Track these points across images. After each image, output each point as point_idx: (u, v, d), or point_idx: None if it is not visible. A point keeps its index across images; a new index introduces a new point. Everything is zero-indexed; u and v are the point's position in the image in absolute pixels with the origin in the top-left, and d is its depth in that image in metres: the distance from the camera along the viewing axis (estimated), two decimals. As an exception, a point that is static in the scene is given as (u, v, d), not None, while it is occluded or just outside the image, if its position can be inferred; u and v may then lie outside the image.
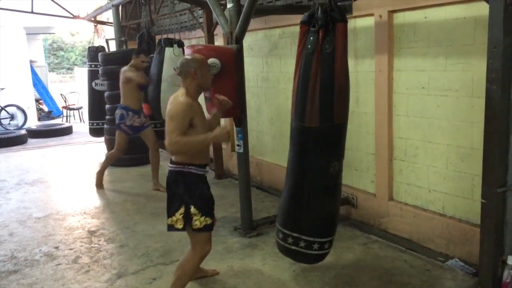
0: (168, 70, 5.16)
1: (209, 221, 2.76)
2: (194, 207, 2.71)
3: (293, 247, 2.92)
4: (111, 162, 5.87)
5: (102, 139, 7.72)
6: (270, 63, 5.31)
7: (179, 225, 2.73)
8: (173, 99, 2.73)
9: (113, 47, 8.65)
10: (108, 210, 4.98)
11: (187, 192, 2.72)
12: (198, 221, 2.71)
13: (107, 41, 8.87)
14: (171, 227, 2.78)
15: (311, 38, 2.76)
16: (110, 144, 7.17)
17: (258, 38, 5.45)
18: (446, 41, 3.35)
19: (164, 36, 5.87)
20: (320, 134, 2.79)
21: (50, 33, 21.02)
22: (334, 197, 2.94)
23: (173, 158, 2.78)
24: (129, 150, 6.96)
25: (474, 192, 3.32)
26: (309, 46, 2.76)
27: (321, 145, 2.82)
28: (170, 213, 2.77)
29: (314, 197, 2.87)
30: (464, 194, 3.40)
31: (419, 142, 3.68)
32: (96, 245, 4.02)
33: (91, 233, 4.32)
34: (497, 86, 2.62)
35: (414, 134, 3.71)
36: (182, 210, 2.71)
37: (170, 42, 5.32)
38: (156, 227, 4.36)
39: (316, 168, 2.84)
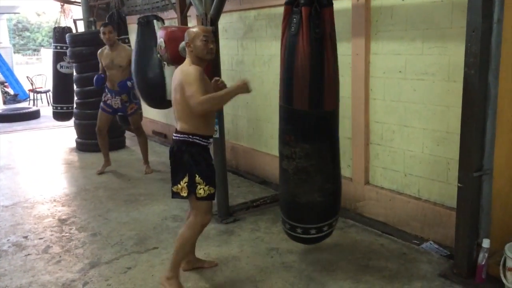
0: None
1: (212, 190, 2.84)
2: (199, 176, 2.77)
3: (294, 234, 3.07)
4: (101, 142, 5.72)
5: (71, 123, 7.49)
6: (245, 46, 5.20)
7: (184, 193, 2.79)
8: (182, 69, 2.76)
9: (81, 28, 8.33)
10: (79, 198, 4.84)
11: (192, 161, 2.78)
12: (203, 189, 2.78)
13: (75, 21, 8.53)
14: (176, 194, 2.85)
15: (294, 19, 2.68)
16: (79, 128, 6.98)
17: (233, 20, 5.33)
18: (423, 24, 3.33)
19: (139, 15, 5.58)
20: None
21: (15, 13, 20.19)
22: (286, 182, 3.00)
23: (178, 128, 2.82)
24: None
25: (449, 176, 3.35)
26: (292, 28, 2.70)
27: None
28: (175, 181, 2.83)
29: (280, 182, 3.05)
30: (439, 177, 3.43)
31: (395, 126, 3.68)
32: (67, 234, 3.89)
33: (62, 221, 4.18)
34: (475, 70, 2.63)
35: (390, 118, 3.70)
36: (186, 179, 2.77)
37: (155, 17, 5.07)
38: (130, 214, 4.26)
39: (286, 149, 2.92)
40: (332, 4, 2.73)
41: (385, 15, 3.59)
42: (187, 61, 2.82)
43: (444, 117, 3.31)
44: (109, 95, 5.44)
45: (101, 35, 5.23)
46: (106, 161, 5.78)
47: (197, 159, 2.79)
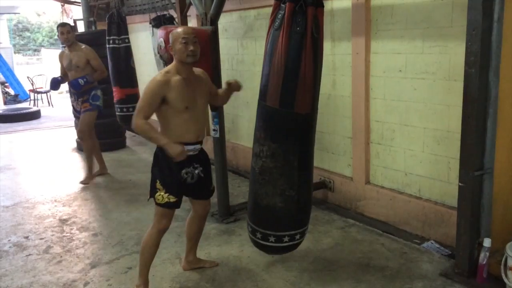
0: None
1: (172, 199, 2.75)
2: (160, 182, 2.75)
3: (253, 238, 2.98)
4: (88, 150, 5.39)
5: (72, 123, 7.48)
6: (246, 45, 5.20)
7: (148, 195, 2.81)
8: (153, 77, 2.71)
9: (81, 28, 8.33)
10: (80, 198, 4.84)
11: (157, 167, 2.77)
12: (161, 196, 2.74)
13: (75, 21, 8.53)
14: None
15: (279, 14, 2.60)
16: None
17: (233, 20, 5.32)
18: (424, 23, 3.33)
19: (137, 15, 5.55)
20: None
21: (15, 13, 20.19)
22: (253, 184, 2.87)
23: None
24: (101, 134, 6.79)
25: (450, 175, 3.34)
26: (276, 22, 2.60)
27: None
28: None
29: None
30: (440, 177, 3.43)
31: (395, 126, 3.67)
32: (68, 234, 3.89)
33: (63, 221, 4.18)
34: (475, 69, 2.62)
35: (391, 117, 3.70)
36: (152, 182, 2.79)
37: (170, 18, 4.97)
38: (131, 214, 4.26)
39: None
40: (321, 4, 2.61)
41: (385, 14, 3.58)
42: (168, 67, 2.74)
43: (445, 116, 3.30)
44: (72, 98, 5.29)
45: (59, 35, 5.07)
46: (101, 167, 5.58)
47: (161, 165, 2.73)
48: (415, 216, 3.60)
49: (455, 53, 3.12)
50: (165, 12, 5.20)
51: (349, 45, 3.88)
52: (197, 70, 2.83)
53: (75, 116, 5.53)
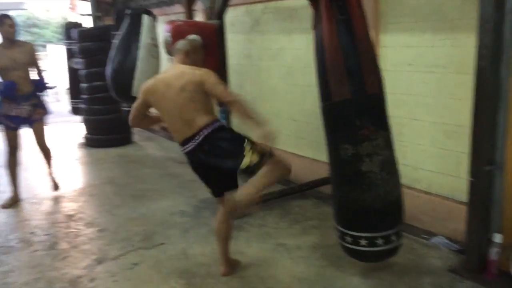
0: (146, 37, 4.62)
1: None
2: (247, 141, 2.69)
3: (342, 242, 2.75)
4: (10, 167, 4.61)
5: (79, 119, 7.49)
6: (253, 39, 5.15)
7: (255, 157, 2.62)
8: (193, 70, 2.74)
9: (86, 23, 8.33)
10: (87, 193, 4.83)
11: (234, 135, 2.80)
12: (257, 146, 2.63)
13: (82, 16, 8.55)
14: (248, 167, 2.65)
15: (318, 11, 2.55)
16: (88, 124, 6.99)
17: (239, 14, 5.28)
18: (434, 16, 3.26)
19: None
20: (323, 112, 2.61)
21: (22, 9, 20.27)
22: (355, 187, 2.55)
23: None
24: (107, 130, 6.79)
25: (460, 170, 3.28)
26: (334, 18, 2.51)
27: (326, 126, 2.62)
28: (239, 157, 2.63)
29: (335, 186, 2.66)
30: (450, 171, 3.37)
31: (405, 120, 3.62)
32: (74, 230, 3.89)
33: (69, 217, 4.18)
34: (487, 62, 2.57)
35: (400, 111, 3.64)
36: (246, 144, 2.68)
37: (146, 11, 4.95)
38: (137, 210, 4.25)
39: (329, 153, 2.62)
40: None
41: (395, 7, 3.52)
42: (189, 66, 2.82)
43: (454, 110, 3.24)
44: (14, 104, 4.31)
45: (3, 29, 4.19)
46: (14, 192, 4.59)
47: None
48: (424, 211, 3.55)
49: (466, 46, 3.06)
50: (140, 4, 5.10)
51: (357, 39, 3.82)
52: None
53: (9, 127, 4.40)
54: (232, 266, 3.06)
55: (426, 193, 3.55)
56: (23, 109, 4.36)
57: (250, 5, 5.08)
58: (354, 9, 2.51)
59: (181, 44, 2.92)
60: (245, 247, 3.40)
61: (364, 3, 3.65)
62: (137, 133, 7.21)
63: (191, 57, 2.88)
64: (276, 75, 4.88)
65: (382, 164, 2.49)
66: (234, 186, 2.85)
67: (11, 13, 4.95)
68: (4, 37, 4.27)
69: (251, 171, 2.62)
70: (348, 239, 2.64)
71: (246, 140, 2.66)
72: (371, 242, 2.58)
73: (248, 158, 2.59)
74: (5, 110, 4.32)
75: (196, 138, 2.69)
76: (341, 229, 2.70)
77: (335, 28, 2.49)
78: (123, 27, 4.75)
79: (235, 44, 5.33)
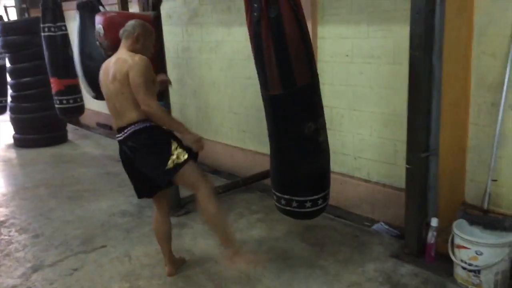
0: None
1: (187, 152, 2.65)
2: (176, 144, 2.65)
3: (287, 208, 2.86)
4: None
5: (6, 117, 7.02)
6: (191, 32, 5.04)
7: (183, 157, 2.59)
8: (128, 58, 2.52)
9: (13, 15, 7.80)
10: (18, 197, 4.54)
11: (165, 138, 2.66)
12: (181, 154, 2.61)
13: (5, 8, 7.98)
14: (174, 168, 2.59)
15: (255, 4, 2.54)
16: (16, 123, 6.57)
17: (177, 5, 5.14)
18: (369, 7, 3.33)
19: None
20: (285, 100, 2.67)
21: None
22: (317, 156, 2.80)
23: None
24: (38, 129, 6.43)
25: (396, 157, 3.40)
26: (255, 13, 2.53)
27: (289, 110, 2.70)
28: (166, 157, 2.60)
29: (295, 160, 2.77)
30: (387, 159, 3.48)
31: (344, 111, 3.69)
32: (6, 237, 3.63)
33: (0, 223, 3.90)
34: (420, 52, 2.65)
35: (339, 102, 3.71)
36: (175, 145, 2.63)
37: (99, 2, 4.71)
38: (74, 212, 4.05)
39: (289, 132, 2.74)
40: None
41: (331, -1, 3.56)
42: (131, 52, 2.61)
43: (391, 99, 3.34)
44: None
45: None
46: None
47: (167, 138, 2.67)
48: (365, 199, 3.65)
49: (399, 37, 3.15)
50: None
51: (296, 30, 3.83)
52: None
53: None
54: (177, 265, 2.98)
55: (366, 181, 3.65)
56: None
57: (187, -3, 4.97)
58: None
59: (130, 25, 2.66)
60: (191, 244, 3.34)
61: (302, -6, 3.69)
62: (72, 131, 6.88)
63: (141, 42, 2.65)
64: (216, 68, 4.81)
65: (326, 132, 2.80)
66: (160, 189, 2.76)
67: None
68: None
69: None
70: (308, 204, 2.80)
71: (171, 140, 2.61)
72: (325, 199, 2.85)
73: (175, 156, 2.57)
74: None
75: (125, 131, 2.59)
76: (302, 198, 2.81)
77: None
78: (80, 24, 4.52)
79: (173, 36, 5.19)
